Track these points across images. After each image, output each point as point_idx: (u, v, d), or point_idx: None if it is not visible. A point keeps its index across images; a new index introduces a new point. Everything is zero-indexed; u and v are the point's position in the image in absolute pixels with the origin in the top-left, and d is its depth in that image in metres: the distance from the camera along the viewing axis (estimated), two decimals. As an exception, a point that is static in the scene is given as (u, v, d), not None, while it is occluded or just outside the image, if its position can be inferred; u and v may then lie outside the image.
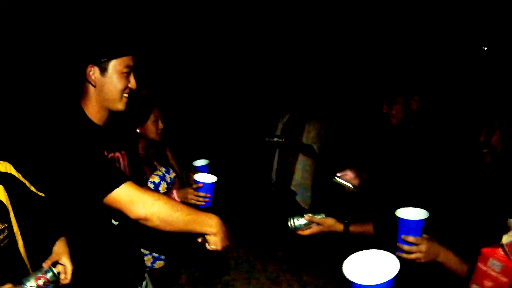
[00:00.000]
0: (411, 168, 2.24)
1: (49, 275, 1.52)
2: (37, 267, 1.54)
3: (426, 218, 1.61)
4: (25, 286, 1.43)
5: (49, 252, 1.61)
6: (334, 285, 4.08)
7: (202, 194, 2.35)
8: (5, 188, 1.52)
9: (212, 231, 1.61)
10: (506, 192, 1.63)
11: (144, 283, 2.04)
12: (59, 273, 1.56)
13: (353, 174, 2.34)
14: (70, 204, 1.66)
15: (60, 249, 1.61)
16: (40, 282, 1.48)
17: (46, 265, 1.55)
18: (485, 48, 4.80)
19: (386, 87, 2.50)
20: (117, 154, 1.85)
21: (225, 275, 4.34)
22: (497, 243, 1.13)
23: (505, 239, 1.10)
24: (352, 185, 2.33)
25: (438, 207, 1.77)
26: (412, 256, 1.62)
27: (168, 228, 1.55)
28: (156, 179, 2.71)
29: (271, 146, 4.33)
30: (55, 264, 1.57)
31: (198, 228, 1.60)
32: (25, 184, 1.62)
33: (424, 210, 1.65)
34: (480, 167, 1.87)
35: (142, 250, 2.35)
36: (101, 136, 1.75)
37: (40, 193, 1.66)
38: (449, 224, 1.77)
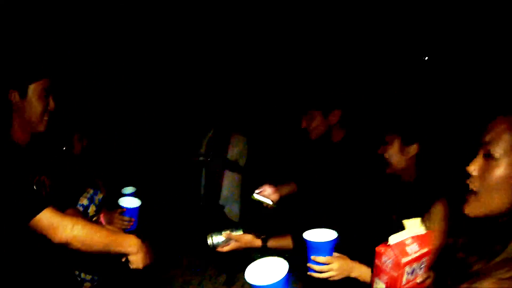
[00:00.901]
0: (325, 183, 2.29)
1: None
2: None
3: (335, 238, 1.64)
4: None
5: None
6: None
7: (126, 218, 2.40)
8: None
9: (132, 250, 1.67)
10: (409, 202, 1.74)
11: None
12: None
13: (271, 190, 2.40)
14: None
15: None
16: None
17: None
18: (426, 58, 4.98)
19: (305, 100, 2.41)
20: (42, 177, 1.86)
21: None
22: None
23: (392, 239, 1.24)
24: (271, 201, 2.39)
25: (348, 221, 1.89)
26: (325, 275, 1.66)
27: (90, 250, 1.61)
28: (85, 202, 2.73)
29: (198, 164, 4.39)
30: None
31: (119, 249, 1.67)
32: None
33: (333, 231, 1.68)
34: (382, 179, 1.98)
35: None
36: (25, 159, 1.77)
37: None
38: (359, 238, 1.83)
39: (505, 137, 1.00)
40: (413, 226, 1.29)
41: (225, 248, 2.07)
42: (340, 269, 1.65)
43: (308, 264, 1.68)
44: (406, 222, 1.29)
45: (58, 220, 1.56)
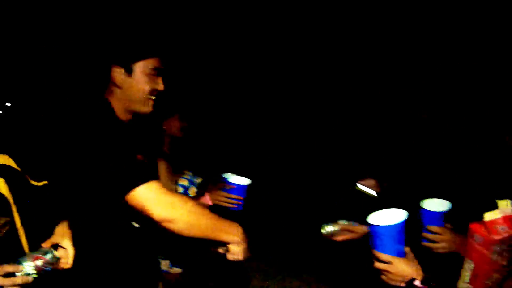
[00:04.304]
0: (434, 166, 2.33)
1: (49, 256, 1.39)
2: None
3: (447, 209, 1.77)
4: (21, 265, 1.32)
5: None
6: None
7: (234, 196, 2.32)
8: (6, 181, 1.45)
9: (235, 239, 1.58)
10: None
11: None
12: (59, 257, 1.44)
13: (373, 182, 2.43)
14: (90, 199, 1.58)
15: (61, 232, 1.50)
16: (39, 262, 1.35)
17: (46, 245, 1.43)
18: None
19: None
20: (139, 156, 1.73)
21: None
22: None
23: (487, 216, 1.25)
24: (374, 192, 2.40)
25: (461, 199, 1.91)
26: (436, 245, 1.77)
27: (192, 233, 1.50)
28: (185, 182, 2.74)
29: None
30: (56, 247, 1.45)
31: (222, 236, 1.56)
32: (25, 177, 1.54)
33: (447, 201, 1.80)
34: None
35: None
36: (128, 135, 1.68)
37: (38, 183, 1.58)
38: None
39: None
40: (505, 207, 1.27)
41: (340, 238, 2.08)
42: (451, 241, 1.74)
43: (423, 234, 1.80)
44: (499, 202, 1.28)
45: (167, 195, 1.46)
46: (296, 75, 5.64)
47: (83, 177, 1.52)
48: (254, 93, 5.89)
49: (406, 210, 1.95)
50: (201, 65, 5.20)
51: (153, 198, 1.44)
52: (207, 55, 5.23)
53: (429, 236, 1.78)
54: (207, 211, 1.58)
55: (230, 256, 1.61)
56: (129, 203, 1.45)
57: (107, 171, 1.46)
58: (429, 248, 1.79)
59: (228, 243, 1.60)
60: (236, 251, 1.60)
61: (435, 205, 1.80)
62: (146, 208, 1.43)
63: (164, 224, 1.46)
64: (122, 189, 1.43)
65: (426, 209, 1.79)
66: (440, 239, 1.76)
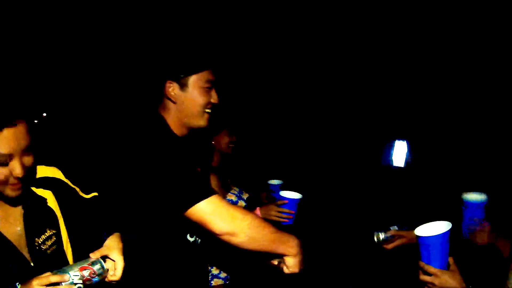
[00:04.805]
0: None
1: (97, 267, 1.34)
2: None
3: (487, 200, 1.91)
4: (67, 274, 1.28)
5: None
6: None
7: (286, 210, 2.33)
8: (54, 193, 1.47)
9: (292, 252, 1.56)
10: None
11: None
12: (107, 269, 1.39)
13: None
14: (147, 213, 1.59)
15: (112, 244, 1.45)
16: (86, 272, 1.31)
17: (94, 256, 1.38)
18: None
19: None
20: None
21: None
22: None
23: None
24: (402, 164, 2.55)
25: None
26: (476, 236, 1.91)
27: (252, 245, 1.51)
28: (233, 198, 2.72)
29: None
30: (104, 258, 1.39)
31: (280, 248, 1.55)
32: (74, 189, 1.55)
33: (484, 194, 1.93)
34: None
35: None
36: (184, 150, 1.66)
37: (87, 196, 1.58)
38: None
39: None
40: None
41: (391, 245, 2.12)
42: (489, 233, 1.88)
43: (467, 225, 1.95)
44: None
45: (228, 210, 1.48)
46: (344, 90, 5.63)
47: (141, 191, 1.54)
48: (298, 107, 5.90)
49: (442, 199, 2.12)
50: (248, 79, 5.24)
51: (214, 212, 1.45)
52: (254, 69, 5.27)
53: (472, 226, 1.91)
54: (266, 224, 1.57)
55: (286, 269, 1.60)
56: (190, 218, 1.47)
57: (168, 187, 1.48)
58: (470, 242, 1.93)
59: (284, 256, 1.58)
60: (292, 263, 1.58)
61: (474, 196, 1.93)
62: (207, 222, 1.46)
63: (225, 238, 1.47)
64: (184, 204, 1.46)
65: (467, 200, 1.92)
66: (481, 230, 1.89)
